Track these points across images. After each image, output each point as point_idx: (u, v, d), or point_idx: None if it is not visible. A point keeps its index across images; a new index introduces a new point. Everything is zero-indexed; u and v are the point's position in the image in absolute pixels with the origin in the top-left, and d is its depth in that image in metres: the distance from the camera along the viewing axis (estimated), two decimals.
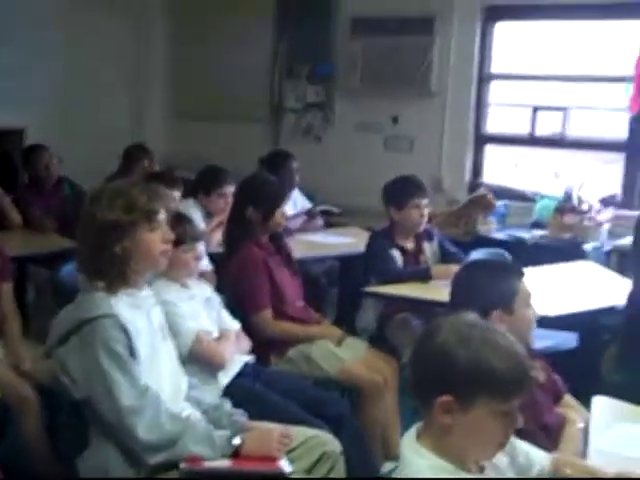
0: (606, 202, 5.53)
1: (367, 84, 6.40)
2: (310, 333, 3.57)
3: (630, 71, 5.39)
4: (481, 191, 5.69)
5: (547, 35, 5.94)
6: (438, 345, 1.69)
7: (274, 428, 2.51)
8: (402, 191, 4.18)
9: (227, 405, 2.65)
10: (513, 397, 1.67)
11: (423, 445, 1.71)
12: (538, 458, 2.01)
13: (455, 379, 1.65)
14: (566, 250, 4.88)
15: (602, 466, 2.06)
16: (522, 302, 2.45)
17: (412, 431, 1.77)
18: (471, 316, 1.79)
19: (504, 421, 1.68)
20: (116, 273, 2.39)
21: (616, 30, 5.65)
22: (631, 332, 3.42)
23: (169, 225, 2.53)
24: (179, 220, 2.98)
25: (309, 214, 5.60)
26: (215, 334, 3.07)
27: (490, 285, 2.43)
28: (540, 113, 5.96)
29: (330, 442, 2.66)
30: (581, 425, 2.40)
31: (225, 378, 2.98)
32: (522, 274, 2.52)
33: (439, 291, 3.48)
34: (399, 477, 1.73)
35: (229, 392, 2.91)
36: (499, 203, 5.60)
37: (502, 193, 5.82)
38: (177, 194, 4.48)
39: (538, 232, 5.33)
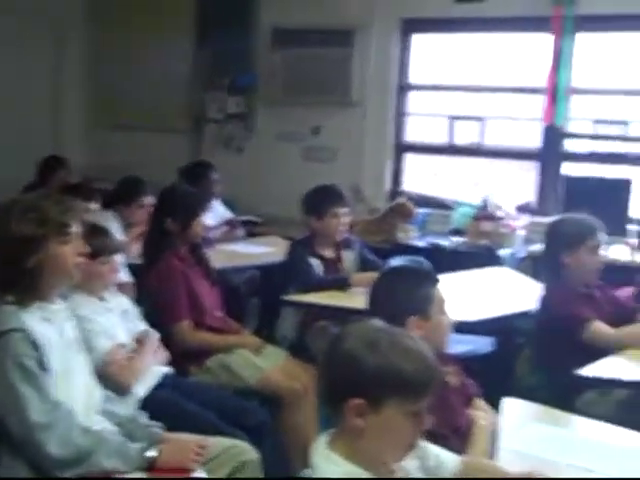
0: (521, 209, 5.68)
1: (288, 95, 6.44)
2: (229, 343, 3.58)
3: (543, 83, 5.54)
4: (401, 199, 5.77)
5: (464, 47, 6.07)
6: (346, 350, 1.72)
7: (190, 439, 2.50)
8: (322, 200, 4.21)
9: (142, 417, 2.63)
10: (422, 398, 1.71)
11: (334, 451, 1.73)
12: (448, 460, 2.04)
13: (365, 382, 1.68)
14: (483, 256, 4.99)
15: (509, 466, 2.10)
16: (437, 308, 2.49)
17: (322, 439, 1.78)
18: (377, 321, 1.82)
19: (414, 421, 1.71)
20: (27, 287, 2.35)
21: (529, 43, 5.81)
22: (542, 335, 3.51)
23: (85, 237, 2.50)
24: (96, 232, 2.96)
25: (230, 224, 5.60)
26: (131, 347, 3.04)
27: (406, 292, 2.46)
28: (458, 123, 6.09)
29: (248, 451, 2.66)
30: (488, 427, 2.45)
31: (142, 390, 2.96)
32: (437, 281, 2.55)
33: (358, 299, 3.50)
34: None
35: (146, 404, 2.88)
36: (419, 211, 5.69)
37: (421, 201, 5.91)
38: (95, 206, 4.43)
39: (457, 239, 5.44)
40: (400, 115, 6.30)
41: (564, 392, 3.26)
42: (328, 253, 4.22)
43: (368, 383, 1.68)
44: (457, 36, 6.13)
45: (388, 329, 1.78)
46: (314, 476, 1.73)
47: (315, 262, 4.12)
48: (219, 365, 3.48)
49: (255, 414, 3.12)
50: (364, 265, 4.21)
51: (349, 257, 4.27)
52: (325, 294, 3.92)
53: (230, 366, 3.46)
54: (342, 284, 3.99)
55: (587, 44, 5.58)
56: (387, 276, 2.60)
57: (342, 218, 4.20)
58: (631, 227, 5.23)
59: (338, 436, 1.75)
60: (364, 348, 1.70)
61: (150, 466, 2.35)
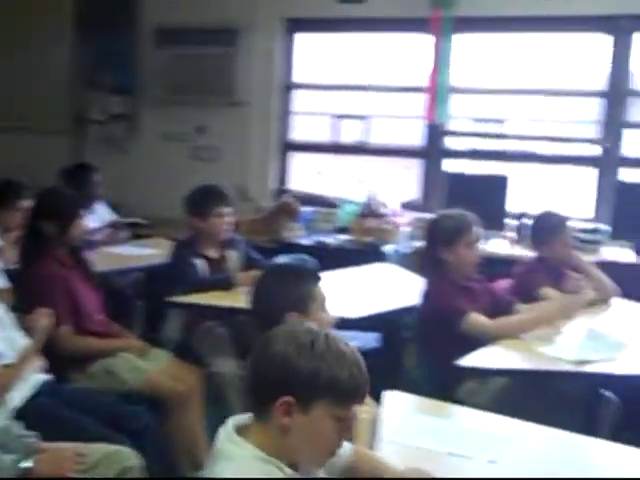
0: (405, 206, 5.79)
1: (173, 95, 6.37)
2: (112, 347, 3.51)
3: (425, 82, 5.66)
4: (286, 198, 5.79)
5: (348, 47, 6.15)
6: (281, 350, 1.70)
7: (68, 447, 2.44)
8: (205, 200, 4.18)
9: (17, 428, 2.54)
10: (352, 403, 1.72)
11: (250, 442, 1.71)
12: (345, 447, 2.05)
13: (298, 382, 1.67)
14: (368, 253, 5.06)
15: (389, 458, 2.13)
16: (318, 306, 2.50)
17: (229, 426, 1.76)
18: (312, 324, 1.83)
19: (340, 426, 1.71)
20: None
21: (410, 43, 5.92)
22: (424, 329, 3.59)
23: None
24: None
25: (113, 226, 5.49)
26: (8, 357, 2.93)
27: (287, 289, 2.47)
28: (342, 121, 6.15)
29: (131, 457, 2.61)
30: (369, 419, 2.48)
31: (17, 399, 2.86)
32: (318, 279, 2.57)
33: (243, 298, 3.49)
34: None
35: (23, 413, 2.78)
36: (304, 209, 5.72)
37: (307, 200, 5.96)
38: None
39: (342, 237, 5.50)
40: (285, 114, 6.33)
41: (446, 383, 3.34)
42: (212, 253, 4.19)
43: (301, 383, 1.67)
44: (341, 36, 6.21)
45: (324, 332, 1.77)
46: (219, 461, 1.71)
47: (199, 262, 4.09)
48: (102, 370, 3.40)
49: (138, 418, 3.06)
50: (249, 264, 4.21)
51: (234, 257, 4.25)
52: (210, 294, 3.89)
53: (113, 370, 3.40)
54: (227, 284, 3.97)
55: (465, 45, 5.74)
56: (267, 274, 2.60)
57: (226, 218, 4.19)
58: (509, 221, 5.40)
59: (259, 430, 1.73)
60: (300, 348, 1.69)
61: (26, 477, 2.28)
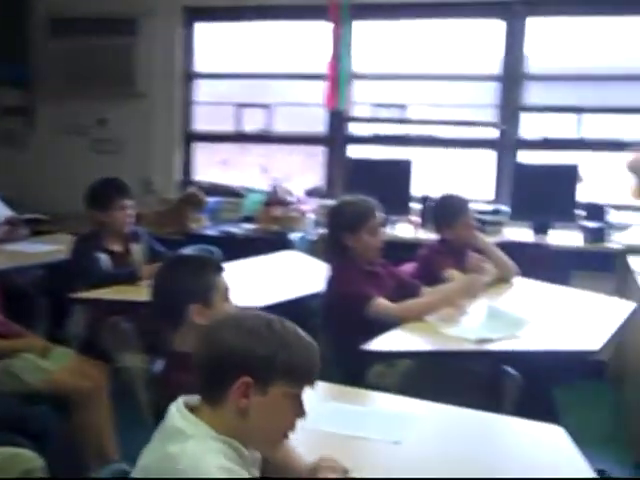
0: (310, 193, 5.81)
1: (71, 86, 6.23)
2: (12, 347, 3.42)
3: (324, 69, 5.68)
4: (191, 189, 5.74)
5: (249, 35, 6.12)
6: (235, 334, 1.71)
7: None
8: (106, 193, 4.13)
9: None
10: (306, 384, 1.75)
11: (204, 422, 1.71)
12: None
13: (257, 362, 1.69)
14: (274, 241, 5.06)
15: (297, 444, 2.13)
16: (220, 296, 2.48)
17: (180, 404, 1.75)
18: (259, 311, 1.84)
19: (295, 405, 1.74)
20: None
21: (311, 30, 5.93)
22: (331, 316, 3.60)
23: None
24: None
25: (11, 223, 5.32)
26: None
27: (188, 280, 2.44)
28: (245, 110, 6.12)
29: (32, 459, 2.55)
30: None
31: None
32: (220, 269, 2.55)
33: (147, 291, 3.45)
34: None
35: None
36: (209, 200, 5.68)
37: (212, 190, 5.92)
38: None
39: (248, 226, 5.48)
40: (187, 104, 6.25)
41: (355, 368, 3.37)
42: (116, 247, 4.14)
43: (259, 364, 1.69)
44: (241, 24, 6.17)
45: (278, 316, 1.80)
46: (182, 438, 1.69)
47: (103, 257, 4.03)
48: (2, 371, 3.32)
49: (39, 419, 2.99)
50: (153, 257, 4.15)
51: (138, 250, 4.20)
52: (114, 289, 3.84)
53: (14, 372, 3.32)
54: (131, 277, 3.92)
55: (365, 32, 5.79)
56: (167, 266, 2.57)
57: (128, 210, 4.13)
58: (414, 205, 5.47)
59: (210, 414, 1.72)
60: (257, 329, 1.71)
61: None
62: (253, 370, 1.69)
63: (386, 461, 2.18)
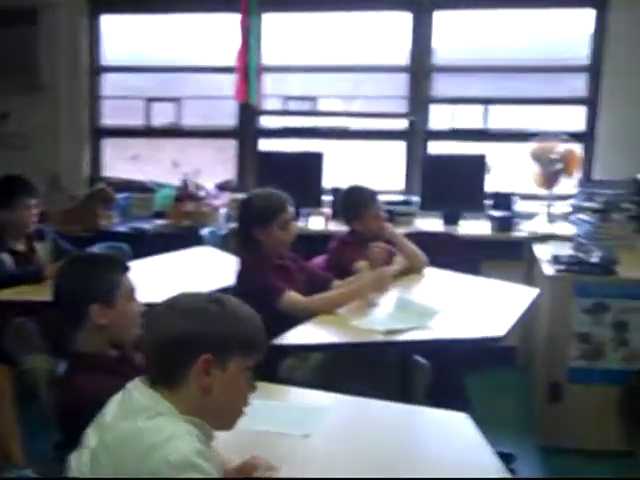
0: (222, 187, 5.76)
1: None
2: None
3: (233, 62, 5.64)
4: (100, 185, 5.63)
5: (157, 27, 6.03)
6: (190, 309, 1.74)
7: None
8: (9, 192, 4.04)
9: None
10: (257, 354, 1.79)
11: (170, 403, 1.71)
12: None
13: (214, 341, 1.71)
14: (186, 237, 5.00)
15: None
16: (124, 296, 2.42)
17: (140, 384, 1.75)
18: (196, 292, 1.85)
19: (248, 378, 1.77)
20: None
21: (219, 22, 5.88)
22: None
23: None
24: None
25: None
26: None
27: (89, 279, 2.38)
28: (154, 104, 6.03)
29: None
30: None
31: None
32: (125, 268, 2.49)
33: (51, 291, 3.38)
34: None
35: None
36: (119, 196, 5.58)
37: (122, 186, 5.81)
38: None
39: (159, 222, 5.41)
40: (94, 98, 6.12)
41: (266, 362, 3.35)
42: (19, 246, 4.04)
43: (217, 340, 1.72)
44: (148, 16, 6.10)
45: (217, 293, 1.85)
46: (151, 415, 1.67)
47: (5, 256, 3.93)
48: None
49: None
50: (60, 255, 4.05)
51: (43, 248, 4.11)
52: (17, 289, 3.74)
53: None
54: (37, 277, 3.82)
55: (275, 24, 5.77)
56: (68, 264, 2.49)
57: (33, 209, 4.04)
58: (325, 198, 5.48)
59: (167, 396, 1.71)
60: (208, 306, 1.74)
61: None
62: (211, 348, 1.71)
63: (292, 455, 2.18)
